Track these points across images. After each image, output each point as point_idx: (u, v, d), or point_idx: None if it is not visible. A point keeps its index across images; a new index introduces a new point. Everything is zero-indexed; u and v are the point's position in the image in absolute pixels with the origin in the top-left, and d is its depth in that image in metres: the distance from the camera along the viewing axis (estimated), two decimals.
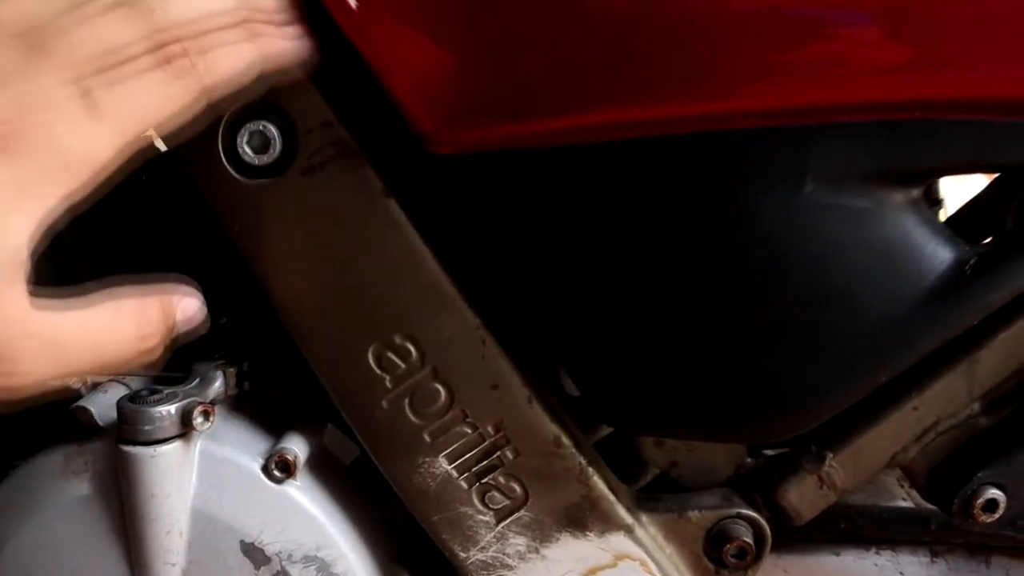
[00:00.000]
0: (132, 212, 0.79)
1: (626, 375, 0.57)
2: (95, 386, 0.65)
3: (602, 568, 0.61)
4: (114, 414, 0.61)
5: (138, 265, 0.79)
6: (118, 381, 0.66)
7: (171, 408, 0.57)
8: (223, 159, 0.56)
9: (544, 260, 0.56)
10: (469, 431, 0.59)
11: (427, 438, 0.59)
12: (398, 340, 0.58)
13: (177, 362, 0.66)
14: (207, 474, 0.59)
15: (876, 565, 0.69)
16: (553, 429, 0.59)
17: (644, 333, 0.55)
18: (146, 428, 0.57)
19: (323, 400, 0.63)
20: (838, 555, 0.69)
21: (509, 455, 0.59)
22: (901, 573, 0.69)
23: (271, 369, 0.68)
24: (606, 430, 0.69)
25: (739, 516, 0.62)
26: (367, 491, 0.66)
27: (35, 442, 0.64)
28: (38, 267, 0.76)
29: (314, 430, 0.65)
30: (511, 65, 0.51)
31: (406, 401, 0.59)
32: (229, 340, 0.71)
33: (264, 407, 0.67)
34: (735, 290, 0.54)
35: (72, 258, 0.79)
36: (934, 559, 0.69)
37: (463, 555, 0.61)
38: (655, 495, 0.64)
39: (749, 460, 0.66)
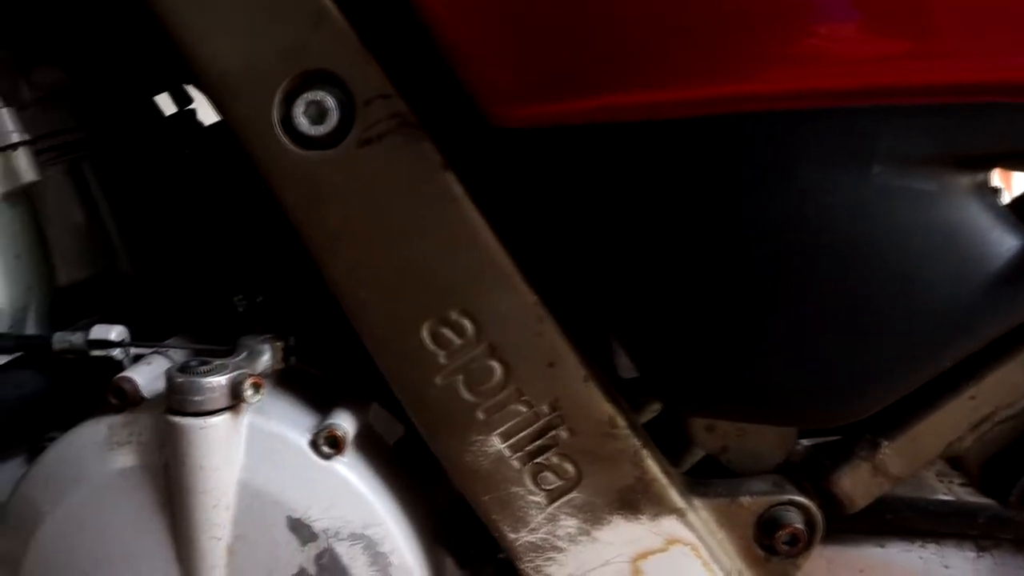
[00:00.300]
0: (173, 188, 0.79)
1: (686, 352, 0.56)
2: (137, 358, 0.64)
3: (653, 552, 0.60)
4: (159, 385, 0.60)
5: (177, 246, 0.79)
6: (160, 353, 0.65)
7: (221, 379, 0.57)
8: (278, 129, 0.55)
9: (608, 235, 0.55)
10: (524, 409, 0.58)
11: (481, 416, 0.58)
12: (454, 316, 0.57)
13: (220, 336, 0.66)
14: (255, 448, 0.58)
15: (921, 558, 0.68)
16: (608, 409, 0.58)
17: (705, 310, 0.55)
18: (196, 399, 0.56)
19: (367, 378, 0.62)
20: (883, 547, 0.68)
21: (564, 435, 0.58)
22: (946, 567, 0.68)
23: (316, 346, 0.67)
24: (650, 414, 0.68)
25: (791, 503, 0.61)
26: (411, 471, 0.65)
27: (75, 414, 0.63)
28: (82, 250, 0.76)
29: (360, 408, 0.64)
30: (584, 40, 0.50)
31: (460, 378, 0.58)
32: (267, 318, 0.70)
33: (309, 383, 0.66)
34: (798, 269, 0.54)
35: (111, 241, 0.79)
36: (980, 554, 0.68)
37: (512, 536, 0.60)
38: (706, 480, 0.63)
39: (799, 447, 0.65)
